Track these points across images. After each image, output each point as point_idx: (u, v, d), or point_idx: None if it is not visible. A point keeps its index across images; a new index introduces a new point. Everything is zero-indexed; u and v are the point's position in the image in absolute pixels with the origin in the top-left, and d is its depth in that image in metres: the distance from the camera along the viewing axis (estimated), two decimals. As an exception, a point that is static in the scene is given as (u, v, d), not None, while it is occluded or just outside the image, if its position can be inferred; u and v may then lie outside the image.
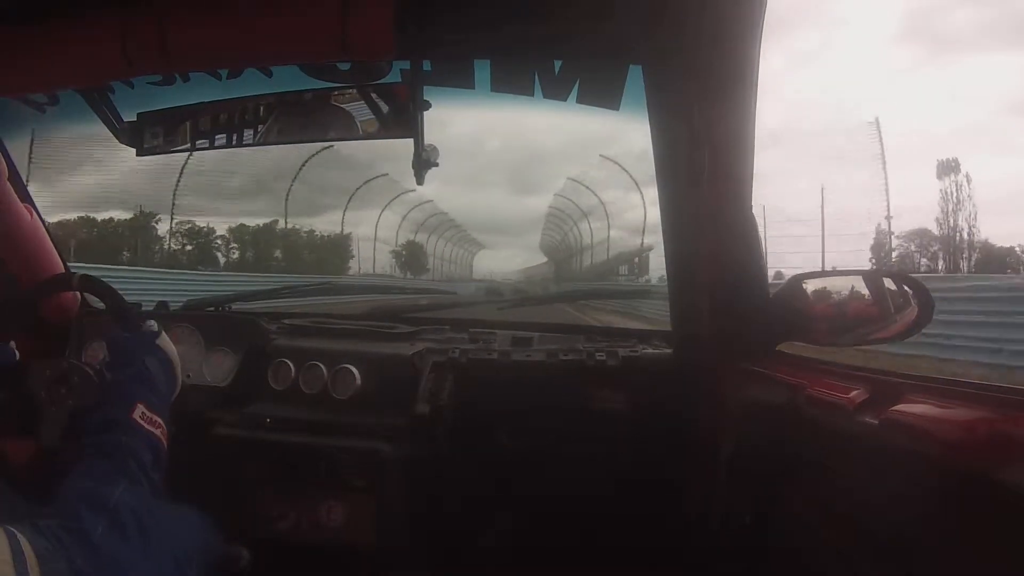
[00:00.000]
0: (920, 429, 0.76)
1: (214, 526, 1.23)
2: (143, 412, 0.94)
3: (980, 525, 0.65)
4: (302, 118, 1.34)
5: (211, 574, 1.16)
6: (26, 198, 1.59)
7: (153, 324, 1.14)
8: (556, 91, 1.32)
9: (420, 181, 1.32)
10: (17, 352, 1.22)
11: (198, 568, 1.10)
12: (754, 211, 1.22)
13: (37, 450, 1.13)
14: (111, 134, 1.42)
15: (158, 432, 0.94)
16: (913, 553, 0.75)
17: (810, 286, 1.18)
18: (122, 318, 1.17)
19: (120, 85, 1.34)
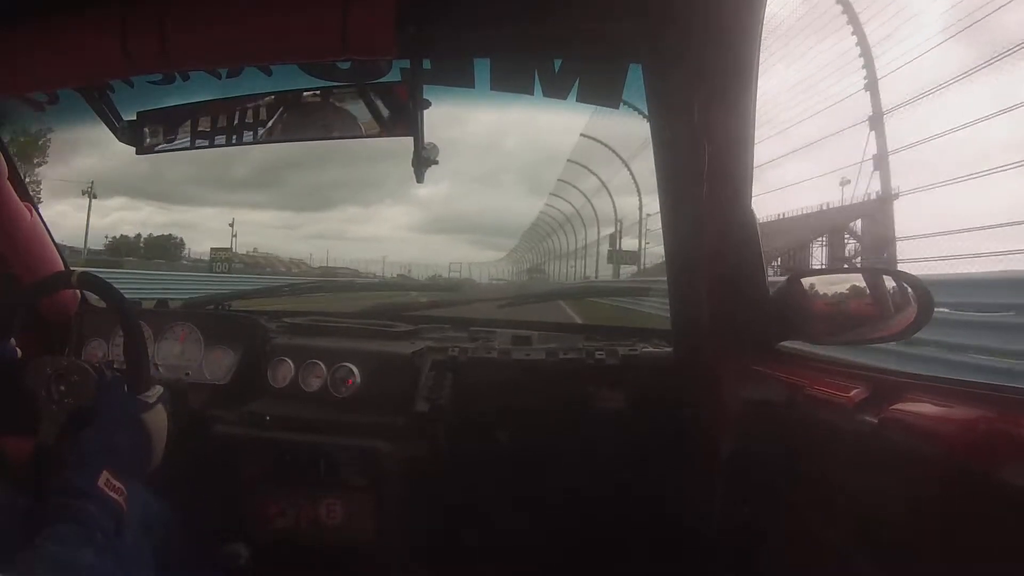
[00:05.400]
0: (920, 428, 0.76)
1: (209, 521, 1.23)
2: (108, 479, 0.93)
3: (980, 524, 0.65)
4: (302, 117, 1.34)
5: (207, 566, 1.16)
6: (26, 197, 1.59)
7: (152, 395, 1.12)
8: (556, 90, 1.32)
9: (420, 179, 1.32)
10: (18, 350, 1.22)
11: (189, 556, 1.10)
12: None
13: (36, 448, 1.14)
14: (111, 133, 1.43)
15: (120, 499, 0.93)
16: (913, 552, 0.75)
17: (809, 284, 1.18)
18: (131, 373, 1.15)
19: (120, 84, 1.34)
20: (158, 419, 1.11)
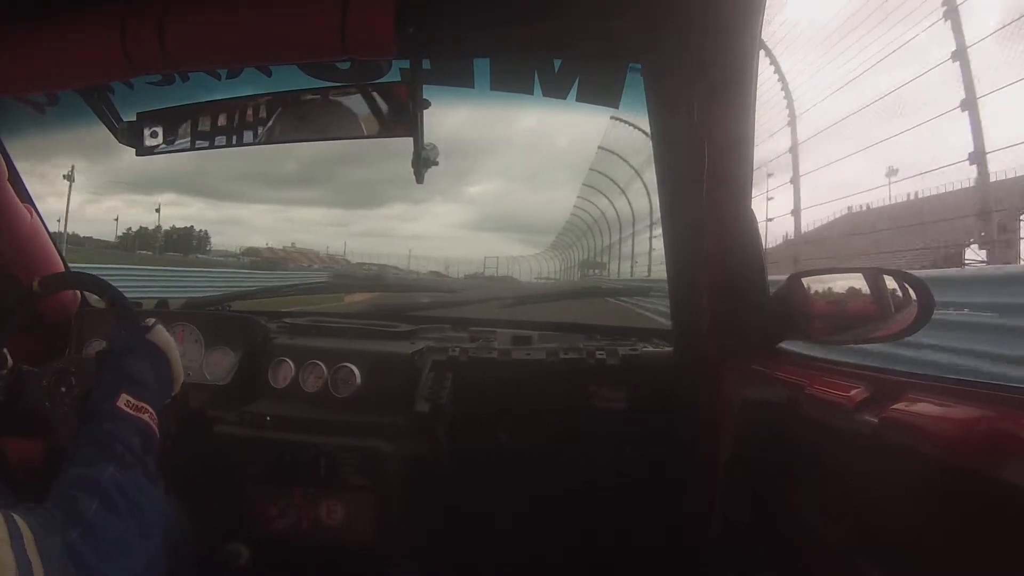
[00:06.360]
0: (920, 428, 0.76)
1: (210, 521, 1.24)
2: (128, 400, 0.96)
3: (980, 524, 0.65)
4: (302, 117, 1.34)
5: (208, 566, 1.17)
6: (27, 199, 1.59)
7: (149, 320, 1.15)
8: (556, 89, 1.32)
9: (420, 180, 1.32)
10: (9, 359, 1.23)
11: (190, 554, 1.12)
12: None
13: (44, 452, 1.14)
14: (111, 134, 1.43)
15: (146, 418, 0.96)
16: (913, 552, 0.75)
17: (810, 284, 1.18)
18: (119, 313, 1.18)
19: (120, 85, 1.34)
20: (163, 337, 1.13)
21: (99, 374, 1.04)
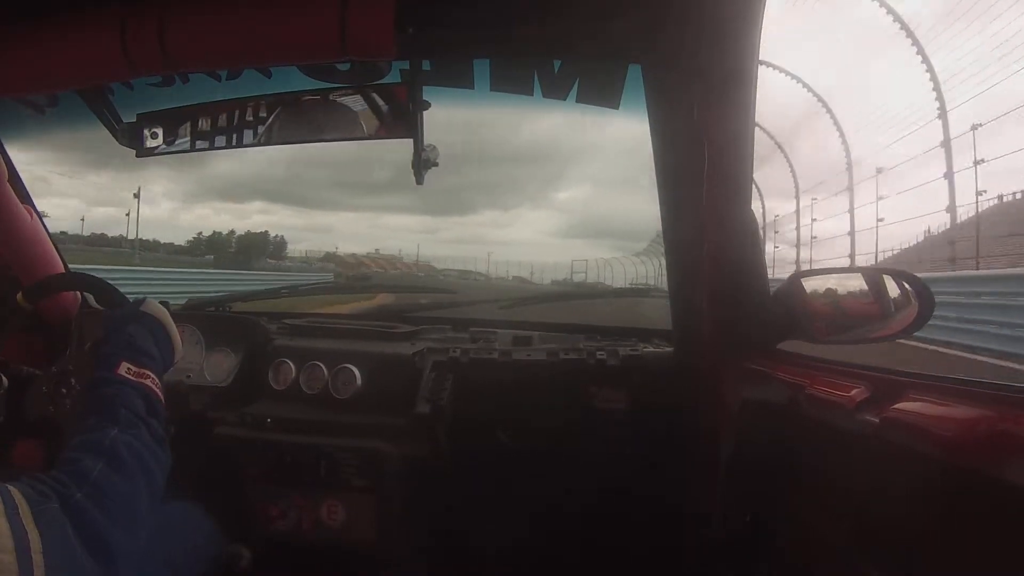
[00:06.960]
0: (921, 427, 0.76)
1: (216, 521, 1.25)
2: (128, 368, 0.96)
3: (981, 524, 0.65)
4: (301, 119, 1.34)
5: (213, 560, 1.17)
6: (26, 200, 1.59)
7: (140, 298, 1.15)
8: (555, 90, 1.32)
9: (420, 181, 1.32)
10: (5, 378, 1.23)
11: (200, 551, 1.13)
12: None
13: (51, 454, 1.15)
14: (111, 135, 1.43)
15: (148, 383, 0.97)
16: (913, 552, 0.75)
17: (810, 284, 1.18)
18: (107, 301, 1.19)
19: (119, 86, 1.35)
20: (157, 308, 1.14)
21: (97, 352, 1.05)
